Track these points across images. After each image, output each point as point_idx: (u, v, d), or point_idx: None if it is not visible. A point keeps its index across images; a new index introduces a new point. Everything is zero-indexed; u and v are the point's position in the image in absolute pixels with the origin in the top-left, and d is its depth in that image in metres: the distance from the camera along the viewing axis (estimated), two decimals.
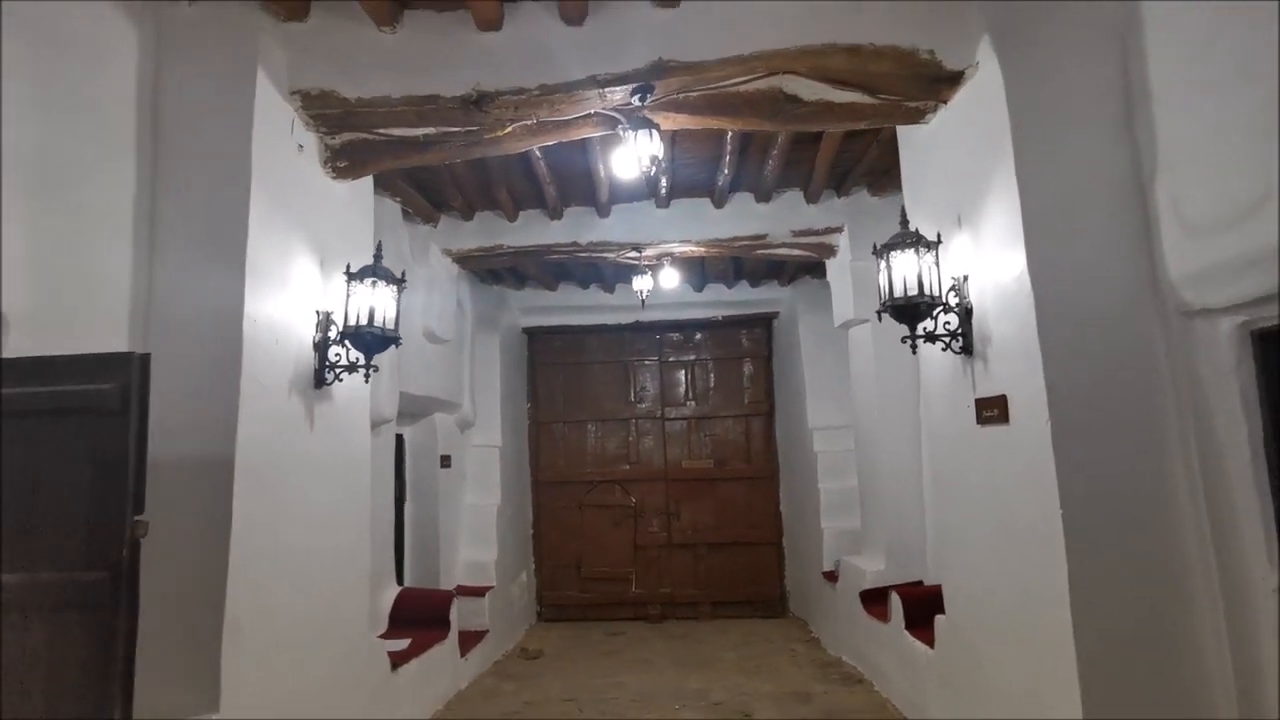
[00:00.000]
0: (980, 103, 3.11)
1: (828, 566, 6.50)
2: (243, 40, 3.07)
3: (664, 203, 5.53)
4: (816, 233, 5.65)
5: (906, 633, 4.36)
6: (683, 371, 8.52)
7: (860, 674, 5.36)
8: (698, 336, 8.51)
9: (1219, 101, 2.41)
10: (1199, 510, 2.61)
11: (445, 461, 6.51)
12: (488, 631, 6.11)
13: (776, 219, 5.62)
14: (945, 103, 3.35)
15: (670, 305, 7.94)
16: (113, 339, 2.72)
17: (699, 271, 7.50)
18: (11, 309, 2.31)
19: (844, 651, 5.87)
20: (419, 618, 5.07)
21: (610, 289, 7.94)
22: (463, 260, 6.00)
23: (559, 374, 8.54)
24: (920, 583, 4.93)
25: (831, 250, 5.81)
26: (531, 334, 8.45)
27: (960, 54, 3.12)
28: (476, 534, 6.90)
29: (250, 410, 2.90)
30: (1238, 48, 2.32)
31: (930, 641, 3.97)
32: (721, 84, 3.27)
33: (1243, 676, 2.49)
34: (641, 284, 6.25)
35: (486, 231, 5.77)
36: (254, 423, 2.92)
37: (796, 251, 5.90)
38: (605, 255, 5.93)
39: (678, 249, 5.84)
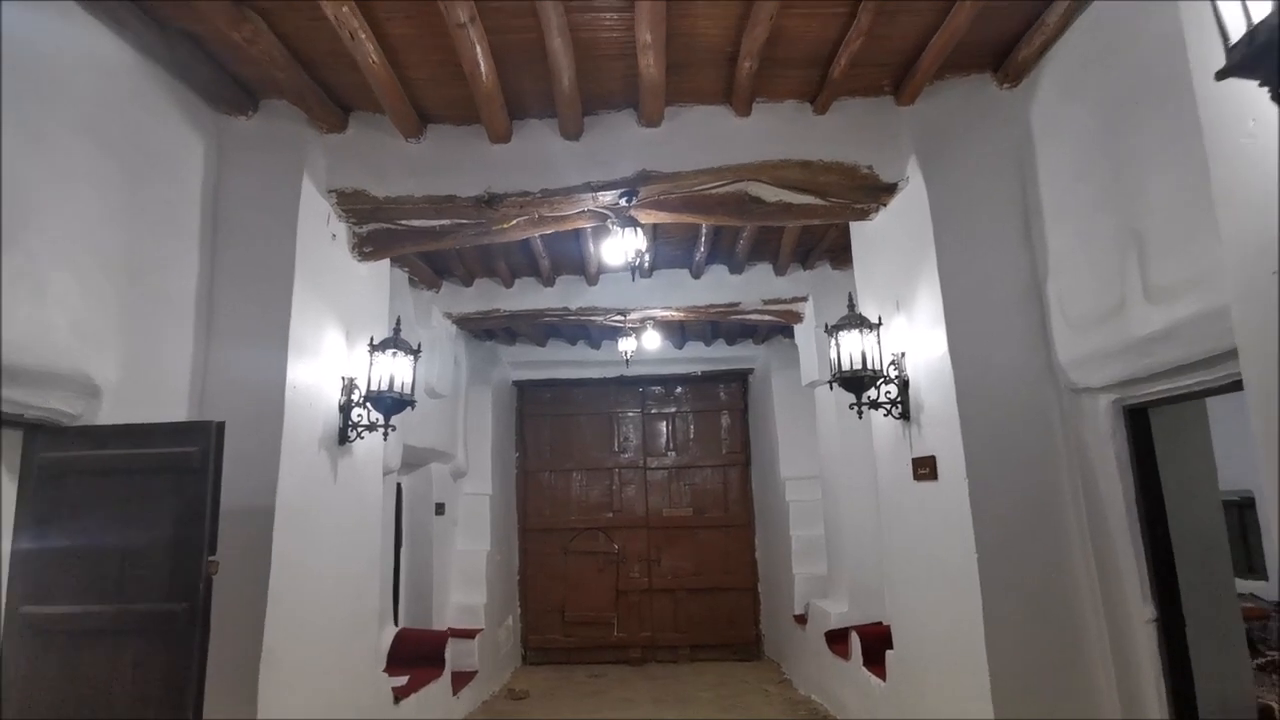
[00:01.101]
0: (911, 209, 3.73)
1: (798, 610, 6.93)
2: (291, 149, 3.63)
3: (646, 274, 6.12)
4: (784, 301, 6.26)
5: (864, 668, 4.82)
6: (664, 423, 9.04)
7: (826, 710, 5.77)
8: (678, 390, 9.05)
9: (1088, 224, 3.03)
10: (1088, 553, 3.14)
11: (440, 509, 6.92)
12: (477, 672, 6.44)
13: (748, 289, 6.22)
14: (885, 205, 3.96)
15: (652, 361, 8.48)
16: (176, 406, 3.19)
17: (679, 331, 8.07)
18: (105, 382, 2.79)
19: (813, 690, 6.28)
20: (416, 656, 5.43)
21: (596, 345, 8.48)
22: (461, 322, 6.52)
23: (546, 425, 9.02)
24: (880, 623, 5.38)
25: (798, 316, 6.41)
26: (521, 386, 8.94)
27: (893, 169, 3.75)
28: (467, 578, 7.25)
29: (287, 465, 3.36)
30: (1099, 184, 2.95)
31: (883, 675, 4.43)
32: (695, 188, 3.87)
33: (1126, 695, 2.99)
34: (626, 345, 6.79)
35: (484, 297, 6.31)
36: (290, 476, 3.38)
37: (767, 317, 6.49)
38: (593, 319, 6.48)
39: (659, 314, 6.41)
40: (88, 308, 2.74)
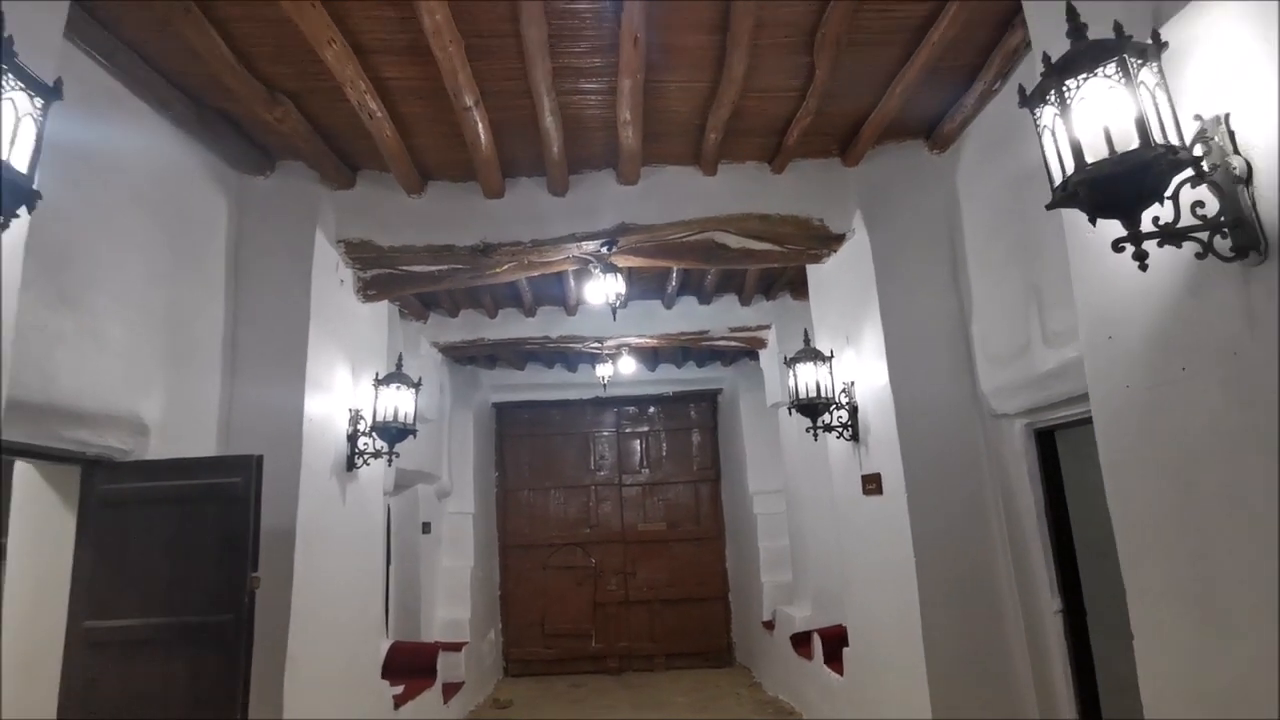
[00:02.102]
0: (856, 257, 4.26)
1: (766, 617, 7.40)
2: (305, 205, 4.03)
3: (622, 305, 6.57)
4: (750, 329, 6.77)
5: (825, 666, 5.30)
6: (638, 442, 9.48)
7: (792, 708, 6.23)
8: (651, 410, 9.51)
9: (1001, 276, 3.58)
10: (1007, 555, 3.66)
11: (426, 528, 7.26)
12: (464, 683, 6.77)
13: (716, 318, 6.72)
14: (835, 251, 4.49)
15: (626, 382, 8.90)
16: (208, 440, 3.56)
17: (652, 356, 8.54)
18: (152, 420, 3.16)
19: (780, 691, 6.74)
20: (408, 667, 5.76)
21: (573, 369, 8.89)
22: (447, 350, 6.91)
23: (525, 445, 9.40)
24: (840, 625, 5.87)
25: (762, 343, 6.93)
26: (500, 408, 9.32)
27: (841, 222, 4.29)
28: (452, 594, 7.59)
29: (305, 490, 3.74)
30: (1008, 243, 3.50)
31: (841, 670, 4.91)
32: (668, 237, 4.35)
33: (1039, 676, 3.51)
34: (603, 370, 7.24)
35: (470, 327, 6.71)
36: (307, 500, 3.76)
37: (733, 343, 7.01)
38: (573, 346, 6.92)
39: (634, 341, 6.88)
40: (137, 356, 3.11)
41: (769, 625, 7.23)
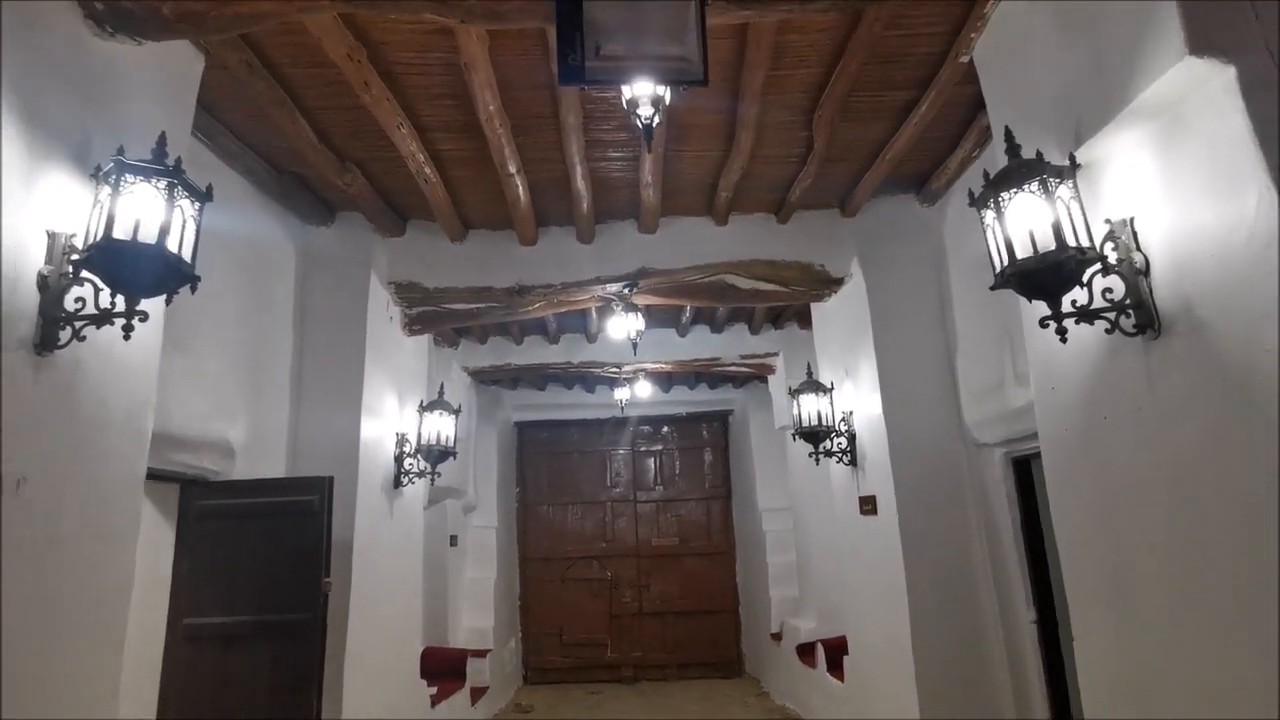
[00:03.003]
0: (854, 298, 4.71)
1: (774, 629, 7.78)
2: (361, 251, 4.54)
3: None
4: (759, 356, 7.22)
5: (827, 674, 5.69)
6: (652, 460, 9.92)
7: (798, 714, 6.61)
8: (665, 429, 9.95)
9: (981, 320, 4.01)
10: (988, 571, 4.07)
11: (453, 541, 7.73)
12: (488, 688, 7.19)
13: (727, 346, 7.17)
14: (836, 292, 4.94)
15: (642, 403, 9.34)
16: (279, 461, 4.05)
17: (666, 378, 8.99)
18: (237, 444, 3.66)
19: (787, 699, 7.11)
20: (439, 670, 6.20)
21: (591, 389, 9.35)
22: (476, 374, 7.41)
23: (545, 462, 9.86)
24: (843, 636, 6.26)
25: (771, 369, 7.37)
26: (521, 427, 9.79)
27: (840, 267, 4.74)
28: (477, 603, 8.03)
29: (361, 506, 4.21)
30: (985, 291, 3.93)
31: (842, 677, 5.30)
32: (683, 279, 4.82)
33: (1016, 680, 3.90)
34: (621, 394, 7.71)
35: (497, 352, 7.20)
36: (362, 515, 4.23)
37: (744, 369, 7.46)
38: (593, 371, 7.40)
39: (650, 366, 7.34)
40: (226, 388, 3.61)
41: (777, 637, 7.60)
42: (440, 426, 4.74)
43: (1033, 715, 3.81)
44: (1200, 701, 1.94)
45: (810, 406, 4.74)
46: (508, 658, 8.39)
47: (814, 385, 4.80)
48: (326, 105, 3.33)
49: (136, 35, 2.32)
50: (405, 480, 4.76)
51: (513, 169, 3.78)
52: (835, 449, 4.81)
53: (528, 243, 4.72)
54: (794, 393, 4.82)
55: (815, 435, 4.72)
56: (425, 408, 4.78)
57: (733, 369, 7.44)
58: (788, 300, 5.13)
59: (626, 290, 4.78)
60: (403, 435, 4.81)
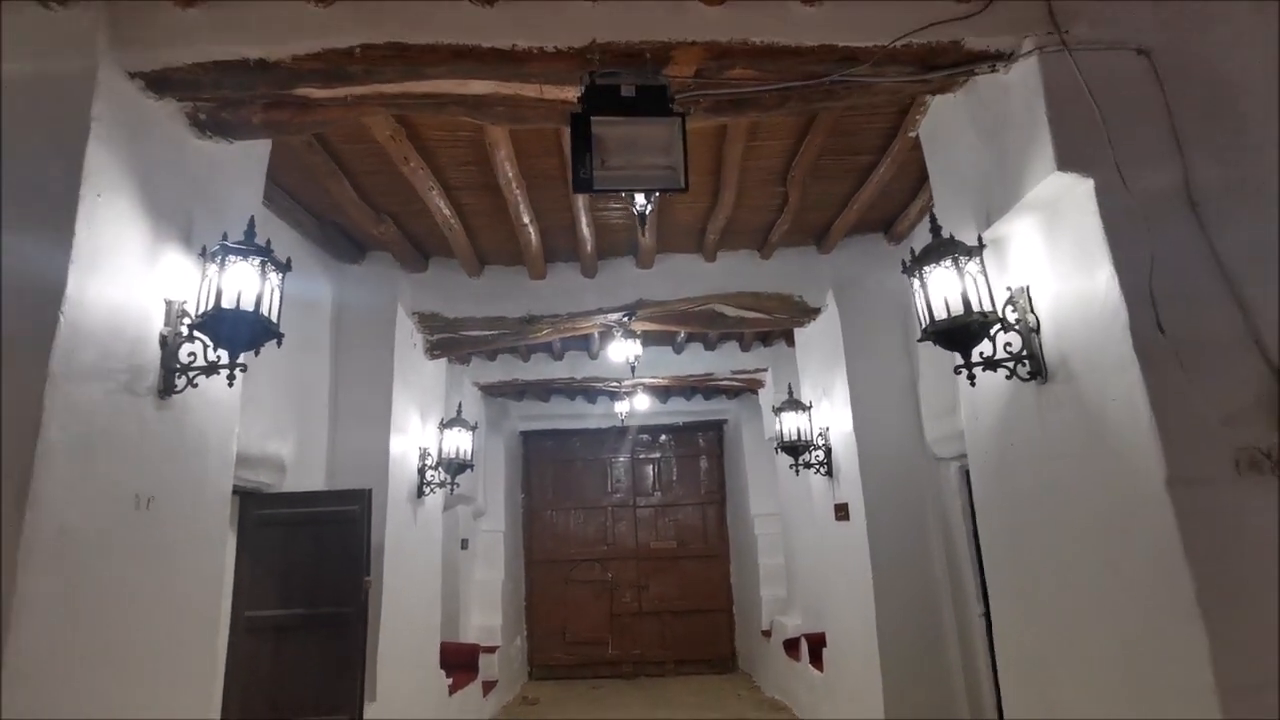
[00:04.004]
0: (830, 326, 5.25)
1: (765, 626, 8.31)
2: (388, 285, 5.09)
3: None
4: (749, 372, 7.76)
5: (810, 665, 6.22)
6: (650, 467, 10.46)
7: (785, 704, 7.15)
8: (663, 438, 10.50)
9: (937, 349, 4.54)
10: (945, 568, 4.61)
11: (464, 544, 8.26)
12: (497, 681, 7.72)
13: (719, 362, 7.71)
14: (814, 319, 5.49)
15: (641, 413, 9.91)
16: (319, 474, 4.59)
17: (664, 391, 9.53)
18: (288, 460, 4.20)
19: (775, 691, 7.65)
20: (453, 663, 6.71)
21: (593, 401, 9.88)
22: (486, 389, 7.95)
23: (549, 469, 10.40)
24: (823, 631, 6.79)
25: (761, 383, 7.92)
26: (526, 436, 10.33)
27: (817, 298, 5.29)
28: (486, 603, 8.56)
29: (390, 514, 4.75)
30: None
31: (822, 668, 5.84)
32: (677, 308, 5.37)
33: (968, 667, 4.45)
34: (621, 407, 8.26)
35: (505, 369, 7.74)
36: (391, 522, 4.76)
37: (735, 383, 8.01)
38: (595, 385, 7.94)
39: (648, 381, 7.89)
40: (278, 411, 4.16)
41: (767, 634, 8.14)
42: (459, 441, 5.29)
43: (980, 692, 4.35)
44: (1077, 665, 2.48)
45: (791, 423, 5.29)
46: (514, 654, 8.92)
47: (794, 404, 5.34)
48: (369, 172, 3.89)
49: (229, 137, 2.86)
50: (427, 490, 5.30)
51: (526, 220, 4.33)
52: (814, 461, 5.35)
53: (537, 277, 5.27)
54: (776, 410, 5.36)
55: (795, 449, 5.27)
56: (445, 424, 5.32)
57: (725, 383, 7.99)
58: (770, 326, 5.68)
59: (626, 318, 5.32)
60: (424, 450, 5.35)
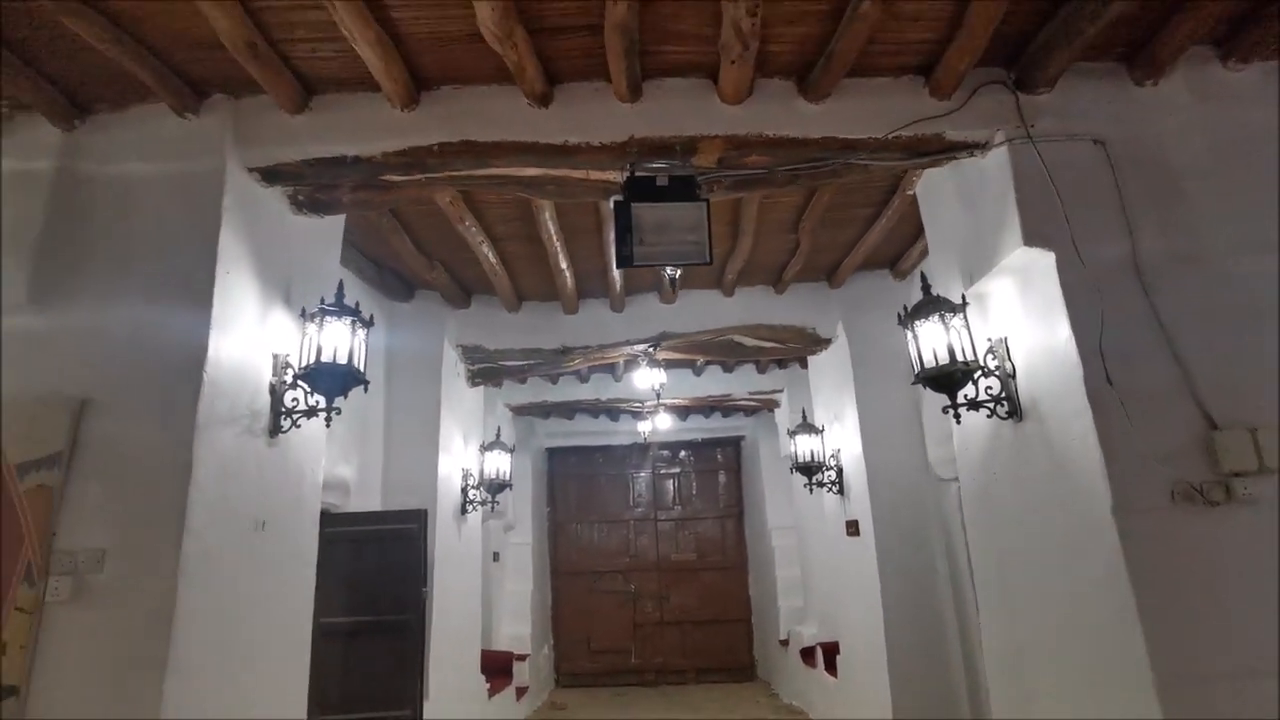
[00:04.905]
0: (840, 355, 5.69)
1: (782, 636, 8.70)
2: (435, 321, 5.60)
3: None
4: (765, 392, 8.19)
5: (824, 672, 6.62)
6: (671, 481, 10.89)
7: (801, 710, 7.53)
8: (682, 454, 10.93)
9: None
10: (947, 581, 5.01)
11: (495, 556, 8.73)
12: (528, 688, 8.17)
13: (737, 383, 8.16)
14: (826, 348, 5.92)
15: (662, 431, 10.34)
16: (375, 495, 5.09)
17: (684, 410, 9.98)
18: (351, 483, 4.70)
19: (793, 698, 8.03)
20: (491, 669, 7.18)
21: (615, 419, 10.35)
22: (517, 409, 8.45)
23: (573, 484, 10.86)
24: (836, 640, 7.18)
25: (776, 403, 8.35)
26: (552, 452, 10.80)
27: (828, 329, 5.73)
28: (515, 613, 9.02)
29: (439, 530, 5.23)
30: None
31: (835, 674, 6.23)
32: (698, 339, 5.83)
33: (969, 670, 4.83)
34: (643, 426, 8.71)
35: (535, 391, 8.22)
36: (439, 537, 5.24)
37: (752, 403, 8.45)
38: (619, 406, 8.41)
39: (670, 402, 8.34)
40: (344, 439, 4.66)
41: (784, 643, 8.52)
42: (499, 463, 5.78)
43: (980, 692, 4.73)
44: (1047, 661, 2.89)
45: (805, 445, 5.72)
46: (542, 662, 9.36)
47: (808, 427, 5.78)
48: (427, 228, 4.40)
49: (321, 213, 3.38)
50: (470, 508, 5.79)
51: (564, 265, 4.82)
52: (826, 481, 5.78)
53: (570, 312, 5.76)
54: (791, 433, 5.80)
55: (809, 469, 5.70)
56: (486, 447, 5.81)
57: (742, 403, 8.43)
58: (785, 355, 6.12)
59: (650, 349, 5.79)
60: (467, 470, 5.84)
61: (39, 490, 2.53)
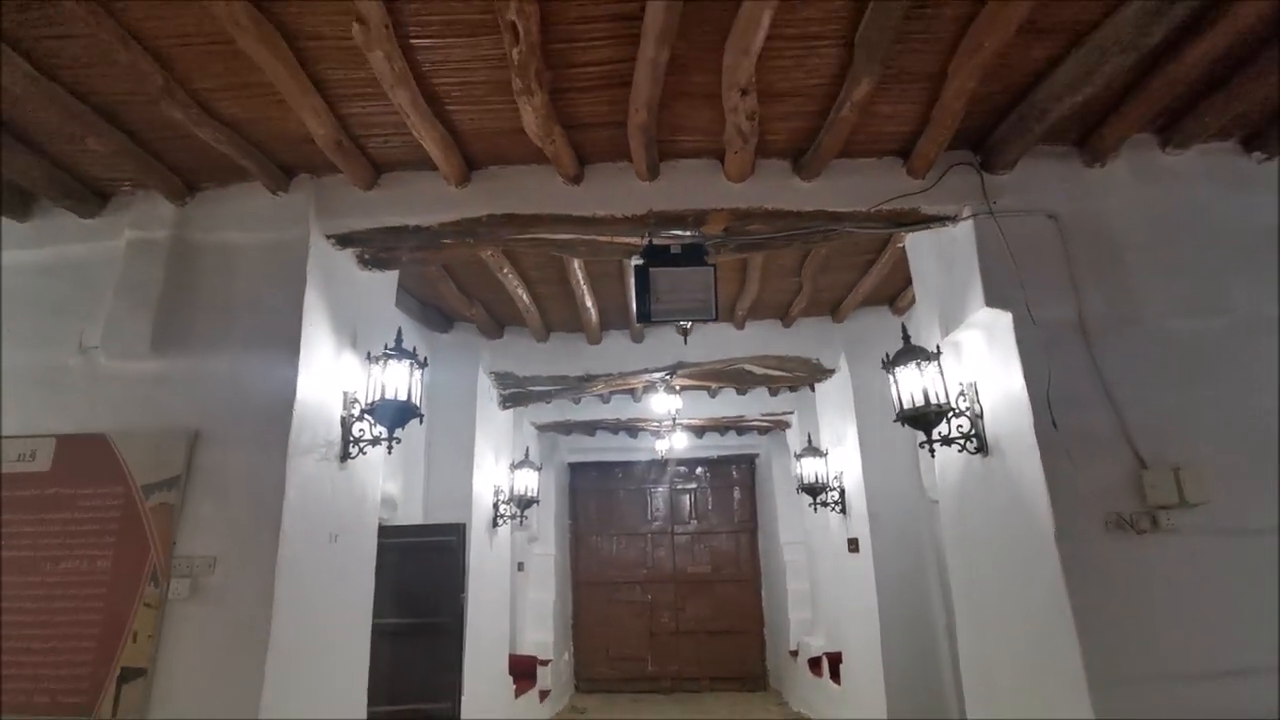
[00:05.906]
0: (843, 384, 6.14)
1: (792, 646, 9.09)
2: (471, 351, 6.15)
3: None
4: (776, 414, 8.65)
5: (830, 680, 7.03)
6: (687, 497, 11.34)
7: (808, 717, 7.92)
8: (699, 470, 11.38)
9: None
10: (940, 596, 5.42)
11: (520, 567, 9.24)
12: (550, 691, 8.65)
13: (750, 405, 8.61)
14: (830, 377, 6.38)
15: (679, 449, 10.81)
16: (418, 509, 5.62)
17: (699, 429, 10.45)
18: (398, 499, 5.24)
19: (801, 706, 8.42)
20: (517, 672, 7.68)
21: (634, 436, 10.84)
22: (542, 427, 8.98)
23: (594, 498, 11.35)
24: (840, 650, 7.58)
25: (787, 424, 8.80)
26: (574, 467, 11.31)
27: (832, 360, 6.19)
28: (538, 620, 9.51)
29: (474, 542, 5.75)
30: None
31: (839, 681, 6.65)
32: (711, 368, 6.32)
33: (958, 681, 5.23)
34: (660, 445, 9.19)
35: (559, 410, 8.73)
36: (474, 548, 5.77)
37: (765, 424, 8.90)
38: (638, 425, 8.91)
39: (686, 421, 8.82)
40: (393, 460, 5.19)
41: (794, 653, 8.92)
42: (527, 480, 6.30)
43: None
44: (1008, 663, 3.33)
45: (810, 467, 6.18)
46: (563, 668, 9.83)
47: (813, 451, 6.23)
48: (470, 274, 4.96)
49: (382, 269, 3.93)
50: (500, 522, 6.31)
51: (589, 304, 5.35)
52: (830, 501, 6.22)
53: (594, 343, 6.28)
54: (798, 456, 6.26)
55: (814, 490, 6.15)
56: (516, 465, 6.33)
57: (755, 424, 8.88)
58: (792, 383, 6.60)
59: (667, 377, 6.29)
60: (498, 487, 6.36)
61: (162, 507, 3.08)
